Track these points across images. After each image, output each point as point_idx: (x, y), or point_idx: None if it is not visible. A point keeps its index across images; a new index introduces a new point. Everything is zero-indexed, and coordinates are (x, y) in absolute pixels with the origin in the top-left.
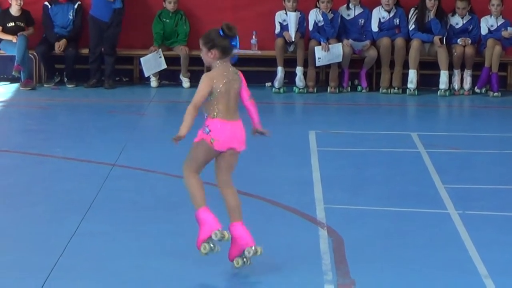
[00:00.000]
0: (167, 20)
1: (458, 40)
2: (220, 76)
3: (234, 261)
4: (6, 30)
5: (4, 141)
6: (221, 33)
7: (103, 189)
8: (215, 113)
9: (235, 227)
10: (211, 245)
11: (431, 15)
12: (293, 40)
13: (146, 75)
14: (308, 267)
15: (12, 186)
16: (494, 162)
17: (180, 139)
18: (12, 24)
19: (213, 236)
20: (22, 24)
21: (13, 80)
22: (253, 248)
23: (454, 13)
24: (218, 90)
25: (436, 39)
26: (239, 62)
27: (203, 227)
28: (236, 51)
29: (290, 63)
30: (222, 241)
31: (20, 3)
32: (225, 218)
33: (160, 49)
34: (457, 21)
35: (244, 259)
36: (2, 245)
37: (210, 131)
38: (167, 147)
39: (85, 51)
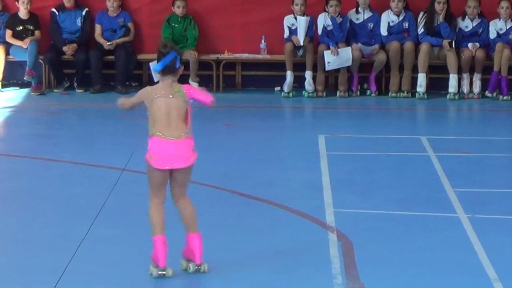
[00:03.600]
0: (176, 25)
1: (469, 45)
2: (155, 93)
3: (182, 262)
4: (16, 34)
5: (13, 146)
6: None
7: (113, 194)
8: (153, 132)
9: (190, 238)
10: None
11: (440, 18)
12: (302, 44)
13: (156, 80)
14: (318, 271)
15: (21, 191)
16: (504, 166)
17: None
18: (21, 27)
19: (152, 272)
20: (31, 27)
21: (22, 85)
22: (197, 266)
23: (464, 17)
24: (153, 108)
25: (445, 42)
26: (248, 67)
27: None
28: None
29: (299, 67)
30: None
31: (27, 7)
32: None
33: None
34: (466, 24)
35: (189, 267)
36: (13, 249)
37: (149, 149)
38: None
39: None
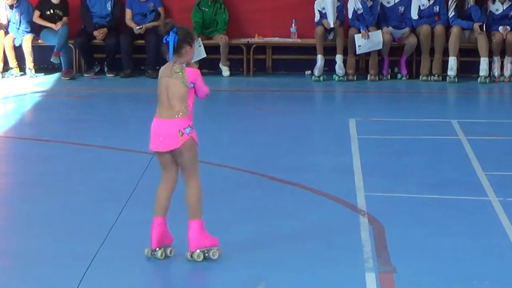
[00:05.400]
0: (206, 9)
1: (500, 28)
2: (161, 73)
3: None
4: (44, 18)
5: (45, 130)
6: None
7: (143, 178)
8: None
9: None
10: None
11: (471, 1)
12: (332, 26)
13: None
14: (349, 254)
15: (52, 175)
16: None
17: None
18: (51, 11)
19: (212, 255)
20: (60, 13)
21: (53, 70)
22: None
23: (494, 0)
24: (158, 87)
25: (476, 26)
26: (279, 51)
27: (209, 236)
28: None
29: (329, 51)
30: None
31: None
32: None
33: (199, 38)
34: (497, 7)
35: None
36: (44, 234)
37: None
38: (207, 136)
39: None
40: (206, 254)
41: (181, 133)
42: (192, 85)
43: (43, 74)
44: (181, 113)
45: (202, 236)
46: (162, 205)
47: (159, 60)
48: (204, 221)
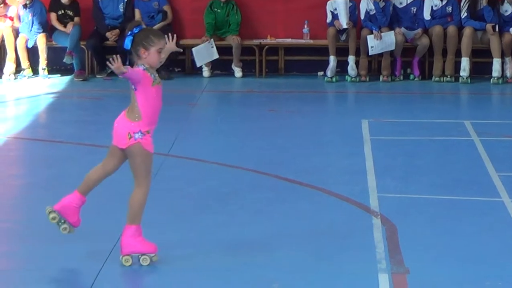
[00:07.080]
0: (219, 10)
1: (510, 29)
2: None
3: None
4: (57, 18)
5: (57, 132)
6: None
7: (156, 179)
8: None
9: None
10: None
11: (484, 2)
12: (344, 27)
13: (198, 65)
14: (362, 256)
15: (65, 177)
16: None
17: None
18: (61, 12)
19: (142, 261)
20: (71, 13)
21: (66, 71)
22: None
23: (503, 1)
24: None
25: (489, 26)
26: (291, 52)
27: (144, 242)
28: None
29: (342, 52)
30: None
31: None
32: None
33: (212, 39)
34: (506, 8)
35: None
36: (56, 235)
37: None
38: (219, 137)
39: None
40: (138, 258)
41: (129, 136)
42: (133, 87)
43: (58, 75)
44: (137, 118)
45: (136, 242)
46: (89, 185)
47: (171, 61)
48: (217, 222)
